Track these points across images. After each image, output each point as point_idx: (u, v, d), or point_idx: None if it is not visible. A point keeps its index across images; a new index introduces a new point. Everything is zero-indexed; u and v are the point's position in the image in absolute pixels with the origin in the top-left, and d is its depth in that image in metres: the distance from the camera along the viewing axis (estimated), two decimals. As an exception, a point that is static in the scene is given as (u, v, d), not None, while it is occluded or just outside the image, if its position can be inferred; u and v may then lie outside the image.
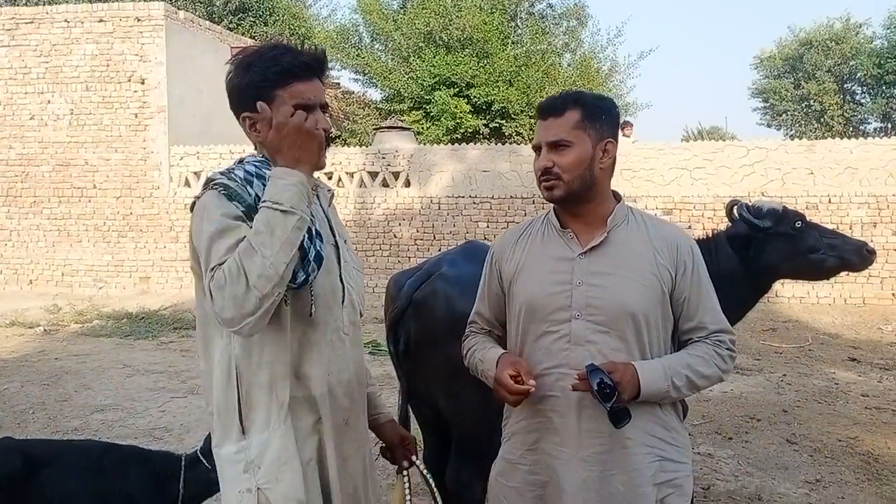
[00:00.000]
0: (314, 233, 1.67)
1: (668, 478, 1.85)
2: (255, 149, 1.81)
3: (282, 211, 1.56)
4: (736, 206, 3.34)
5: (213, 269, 1.56)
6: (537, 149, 1.92)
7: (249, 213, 1.62)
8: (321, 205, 1.85)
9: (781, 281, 3.67)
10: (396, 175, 12.31)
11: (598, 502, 1.82)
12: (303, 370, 1.73)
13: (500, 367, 1.87)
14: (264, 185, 1.64)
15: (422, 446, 3.43)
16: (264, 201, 1.58)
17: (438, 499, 2.17)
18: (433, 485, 2.16)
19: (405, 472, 2.10)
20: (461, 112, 17.89)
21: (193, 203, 1.70)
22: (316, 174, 1.80)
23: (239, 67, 1.76)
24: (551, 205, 1.99)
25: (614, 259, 1.87)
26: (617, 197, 1.98)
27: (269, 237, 1.53)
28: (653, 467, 1.83)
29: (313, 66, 1.76)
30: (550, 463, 1.89)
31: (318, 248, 1.67)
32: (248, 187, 1.66)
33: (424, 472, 2.13)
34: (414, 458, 2.06)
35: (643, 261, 1.87)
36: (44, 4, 15.71)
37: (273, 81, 1.71)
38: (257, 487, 1.66)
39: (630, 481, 1.82)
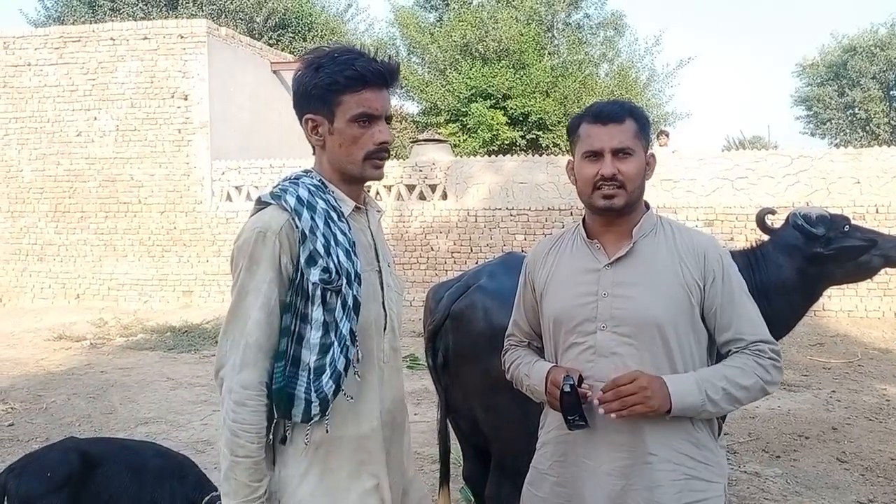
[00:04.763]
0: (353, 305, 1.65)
1: (696, 498, 1.79)
2: (314, 152, 1.77)
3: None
4: (791, 216, 3.29)
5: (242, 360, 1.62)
6: (596, 154, 1.85)
7: (282, 271, 1.62)
8: (370, 226, 1.80)
9: (828, 294, 3.61)
10: (433, 188, 12.33)
11: None
12: (353, 407, 1.69)
13: (554, 373, 1.85)
14: (313, 218, 1.63)
15: (461, 461, 3.41)
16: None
17: None
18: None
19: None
20: (498, 124, 17.90)
21: (239, 233, 1.68)
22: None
23: (309, 67, 1.70)
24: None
25: (640, 270, 1.85)
26: (646, 206, 1.95)
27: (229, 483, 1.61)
28: (678, 485, 1.78)
29: (386, 75, 1.71)
30: (577, 475, 1.87)
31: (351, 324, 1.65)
32: (297, 219, 1.62)
33: None
34: None
35: (669, 271, 1.84)
36: (90, 23, 16.12)
37: (343, 85, 1.66)
38: None
39: (652, 498, 1.77)
